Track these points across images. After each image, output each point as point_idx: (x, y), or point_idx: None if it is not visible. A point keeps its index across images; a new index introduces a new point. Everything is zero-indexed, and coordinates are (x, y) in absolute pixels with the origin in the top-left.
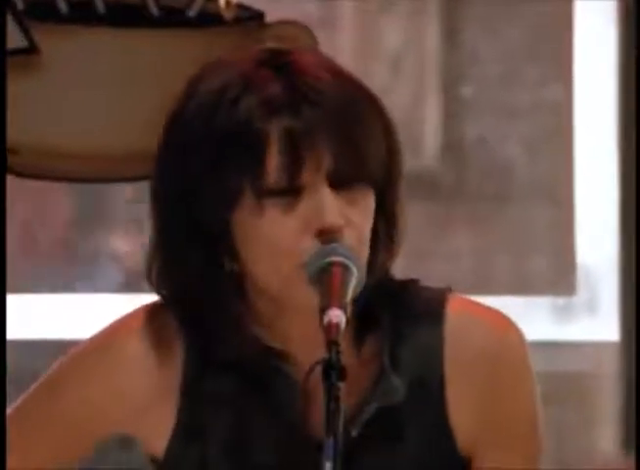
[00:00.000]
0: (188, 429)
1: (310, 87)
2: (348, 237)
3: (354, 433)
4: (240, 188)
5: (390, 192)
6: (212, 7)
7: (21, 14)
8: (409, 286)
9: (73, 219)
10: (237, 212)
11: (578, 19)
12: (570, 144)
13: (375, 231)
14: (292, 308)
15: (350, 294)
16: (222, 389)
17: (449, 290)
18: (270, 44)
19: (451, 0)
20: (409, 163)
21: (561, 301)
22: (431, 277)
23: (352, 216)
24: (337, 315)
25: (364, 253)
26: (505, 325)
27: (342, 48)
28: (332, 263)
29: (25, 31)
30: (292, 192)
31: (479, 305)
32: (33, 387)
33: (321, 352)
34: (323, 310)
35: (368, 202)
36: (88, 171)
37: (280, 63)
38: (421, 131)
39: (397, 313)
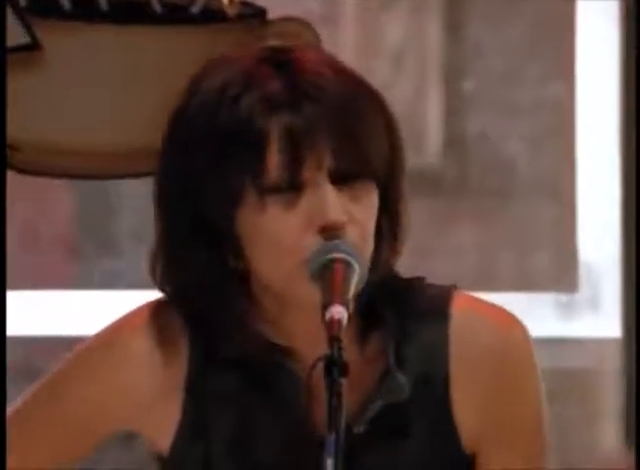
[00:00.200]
0: (193, 426)
1: (311, 84)
2: (351, 233)
3: (359, 430)
4: (241, 186)
5: (393, 188)
6: (215, 4)
7: (23, 10)
8: (414, 284)
9: (75, 216)
10: (240, 210)
11: (581, 16)
12: (572, 141)
13: (378, 228)
14: (296, 305)
15: (353, 290)
16: (227, 386)
17: (455, 287)
18: (272, 41)
19: None
20: (411, 159)
21: (563, 297)
22: (433, 274)
23: (355, 213)
24: (339, 312)
25: (368, 249)
26: (510, 323)
27: (344, 44)
28: (334, 260)
29: (28, 28)
30: (293, 189)
31: (484, 302)
32: (35, 386)
33: (325, 349)
34: (325, 307)
35: (371, 198)
36: (90, 168)
37: (281, 60)
38: (423, 127)
39: (402, 311)
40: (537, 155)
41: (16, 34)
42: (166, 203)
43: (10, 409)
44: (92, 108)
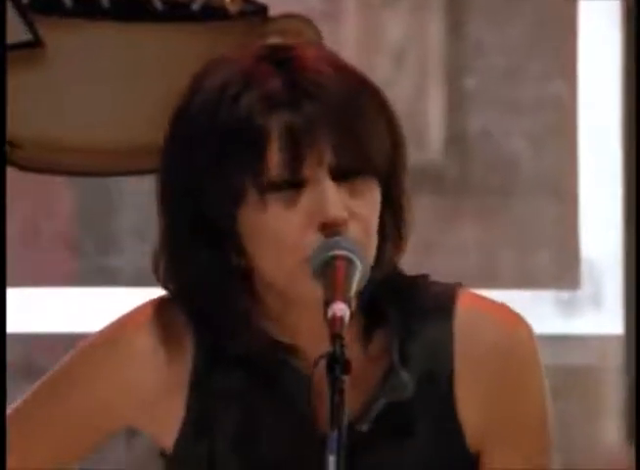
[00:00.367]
0: (197, 423)
1: (311, 82)
2: (353, 230)
3: (363, 428)
4: (242, 184)
5: (396, 184)
6: (216, 1)
7: (25, 7)
8: (418, 281)
9: (76, 213)
10: (241, 208)
11: (582, 14)
12: (574, 139)
13: (382, 225)
14: (299, 303)
15: (355, 287)
16: (231, 383)
17: (459, 285)
18: (274, 38)
19: None
20: (413, 156)
21: (565, 294)
22: (436, 271)
23: (357, 209)
24: (341, 309)
25: (371, 245)
26: (515, 321)
27: (345, 41)
28: (335, 257)
29: (30, 25)
30: (294, 187)
31: (488, 300)
32: (36, 385)
33: (329, 346)
34: (327, 304)
35: (373, 194)
36: (91, 165)
37: (281, 58)
38: (424, 124)
39: (406, 309)
40: (539, 152)
41: (17, 31)
42: (168, 201)
43: (10, 408)
44: (93, 105)
